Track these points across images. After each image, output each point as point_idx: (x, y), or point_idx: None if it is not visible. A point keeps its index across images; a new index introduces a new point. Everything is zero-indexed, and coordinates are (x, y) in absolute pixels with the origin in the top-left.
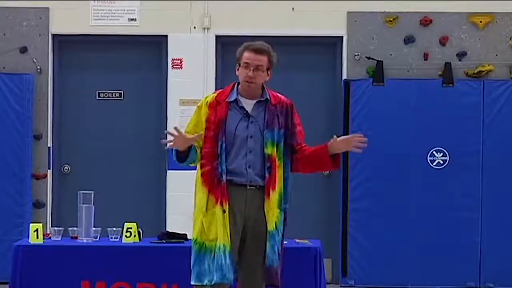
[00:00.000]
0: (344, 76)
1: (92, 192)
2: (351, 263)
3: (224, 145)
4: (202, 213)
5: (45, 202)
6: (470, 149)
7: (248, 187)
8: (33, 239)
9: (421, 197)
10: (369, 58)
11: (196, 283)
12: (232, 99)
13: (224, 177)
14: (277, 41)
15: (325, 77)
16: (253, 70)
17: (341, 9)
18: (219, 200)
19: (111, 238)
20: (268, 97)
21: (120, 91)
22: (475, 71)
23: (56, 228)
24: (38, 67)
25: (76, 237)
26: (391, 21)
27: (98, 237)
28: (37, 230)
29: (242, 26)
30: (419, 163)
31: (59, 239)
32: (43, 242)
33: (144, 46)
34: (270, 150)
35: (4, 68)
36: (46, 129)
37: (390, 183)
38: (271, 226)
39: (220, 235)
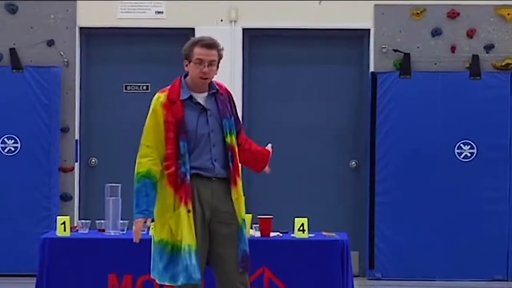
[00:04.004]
0: (371, 69)
1: (119, 185)
2: (378, 256)
3: (186, 144)
4: (170, 214)
5: (72, 195)
6: (498, 141)
7: (213, 179)
8: (60, 232)
9: (448, 190)
10: (396, 50)
11: (171, 283)
12: (186, 96)
13: (188, 177)
14: (304, 34)
15: (352, 70)
16: (207, 66)
17: (368, 1)
18: (183, 199)
19: (133, 226)
20: (217, 87)
21: (147, 84)
22: (503, 64)
23: (83, 221)
24: (65, 60)
25: (103, 230)
26: (418, 13)
27: (125, 230)
28: (64, 223)
29: (269, 19)
30: (446, 156)
31: (86, 232)
32: (70, 235)
33: (171, 39)
34: (229, 139)
35: (31, 61)
36: (73, 122)
37: (417, 176)
38: (241, 216)
39: (185, 235)
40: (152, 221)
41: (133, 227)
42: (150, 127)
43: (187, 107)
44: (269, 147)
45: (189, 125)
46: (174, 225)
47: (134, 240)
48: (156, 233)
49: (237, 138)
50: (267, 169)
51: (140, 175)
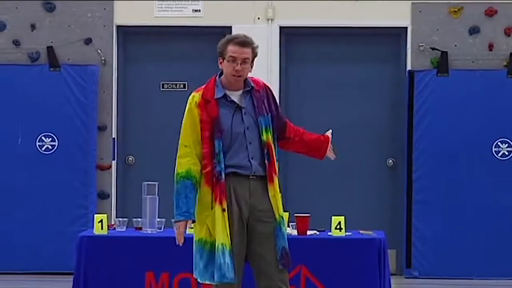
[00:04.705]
0: (408, 67)
1: (156, 183)
2: (416, 254)
3: (221, 143)
4: (207, 212)
5: (109, 193)
6: None
7: (250, 177)
8: (97, 230)
9: (486, 188)
10: (433, 49)
11: (211, 282)
12: (220, 95)
13: (223, 175)
14: (341, 32)
15: (389, 68)
16: (240, 64)
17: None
18: (218, 198)
19: (176, 229)
20: (253, 85)
21: (184, 82)
22: None
23: (120, 219)
24: (103, 58)
25: (140, 228)
26: (455, 11)
27: (162, 228)
28: (101, 221)
29: (306, 17)
30: (483, 154)
31: (123, 230)
32: (107, 233)
33: (208, 37)
34: (265, 137)
35: (68, 59)
36: (110, 120)
37: (454, 175)
38: (279, 213)
39: (220, 234)
40: (193, 222)
41: (176, 230)
42: (188, 127)
43: (222, 105)
44: (328, 133)
45: (224, 124)
46: (211, 224)
47: (178, 243)
48: (195, 232)
49: (283, 133)
50: (330, 155)
51: (179, 176)
